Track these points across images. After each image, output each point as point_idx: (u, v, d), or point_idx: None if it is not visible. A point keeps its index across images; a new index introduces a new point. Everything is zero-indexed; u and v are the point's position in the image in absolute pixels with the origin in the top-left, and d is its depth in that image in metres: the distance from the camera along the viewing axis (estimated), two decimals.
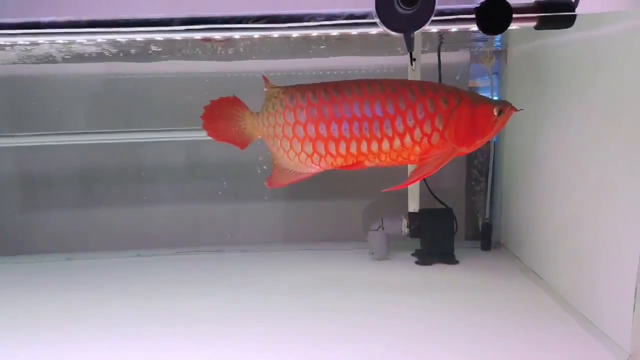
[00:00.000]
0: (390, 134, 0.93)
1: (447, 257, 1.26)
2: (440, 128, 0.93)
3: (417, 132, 0.93)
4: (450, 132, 0.93)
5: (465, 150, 0.95)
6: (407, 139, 0.93)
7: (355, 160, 0.96)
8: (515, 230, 1.30)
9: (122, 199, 1.44)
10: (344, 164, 0.97)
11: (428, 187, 1.30)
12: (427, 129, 0.92)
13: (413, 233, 1.27)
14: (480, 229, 1.37)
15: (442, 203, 1.31)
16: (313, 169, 0.98)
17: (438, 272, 1.21)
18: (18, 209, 1.44)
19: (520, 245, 1.27)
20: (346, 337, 0.91)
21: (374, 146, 0.94)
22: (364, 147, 0.94)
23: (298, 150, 0.96)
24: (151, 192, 1.45)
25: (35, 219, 1.44)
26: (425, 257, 1.26)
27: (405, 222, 1.27)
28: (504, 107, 0.92)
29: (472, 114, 0.93)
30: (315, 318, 0.99)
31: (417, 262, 1.26)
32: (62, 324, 0.99)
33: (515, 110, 0.92)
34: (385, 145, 0.93)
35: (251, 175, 1.44)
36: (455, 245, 1.28)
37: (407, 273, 1.21)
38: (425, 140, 0.93)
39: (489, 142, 1.34)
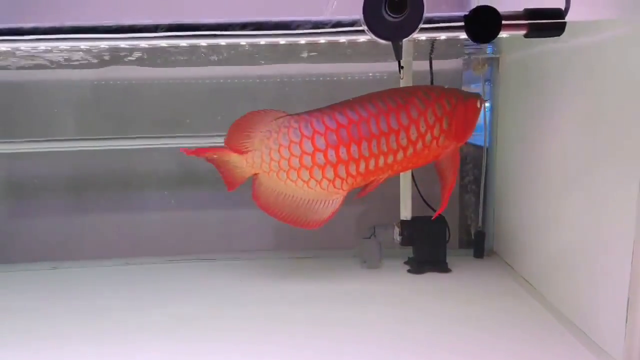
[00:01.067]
0: (405, 144, 0.95)
1: (440, 266, 1.25)
2: (445, 128, 0.97)
3: (428, 137, 0.96)
4: (452, 130, 0.98)
5: (460, 144, 1.01)
6: (419, 145, 0.96)
7: (372, 177, 0.97)
8: (508, 238, 1.29)
9: (112, 206, 1.43)
10: (363, 182, 0.98)
11: (420, 194, 1.29)
12: (437, 131, 0.97)
13: (405, 241, 1.26)
14: (473, 237, 1.36)
15: (435, 210, 1.30)
16: (337, 193, 0.97)
17: (430, 281, 1.20)
18: (4, 215, 1.42)
19: (513, 253, 1.26)
20: (336, 348, 0.89)
21: (390, 159, 0.95)
22: (381, 161, 0.95)
23: (319, 177, 0.95)
24: (141, 199, 1.44)
25: (21, 226, 1.42)
26: (417, 266, 1.25)
27: (397, 230, 1.26)
28: (480, 98, 1.02)
29: (465, 110, 0.99)
30: (306, 328, 0.97)
31: (409, 271, 1.25)
32: (47, 335, 0.97)
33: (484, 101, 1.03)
34: (400, 155, 0.96)
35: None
36: (447, 253, 1.27)
37: (399, 282, 1.20)
38: (434, 142, 0.97)
39: (481, 148, 1.34)
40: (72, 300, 1.13)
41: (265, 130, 0.96)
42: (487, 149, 1.32)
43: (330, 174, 0.95)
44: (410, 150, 0.95)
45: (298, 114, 0.97)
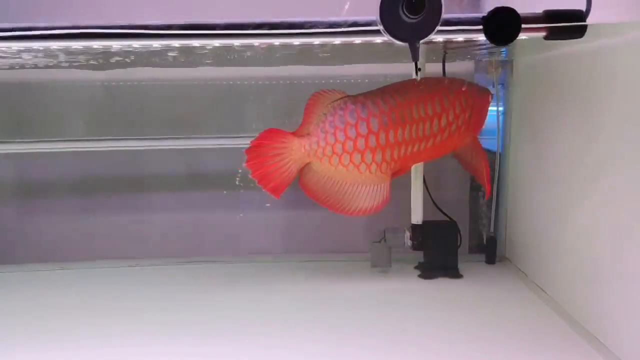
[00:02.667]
0: (436, 131, 0.97)
1: (451, 271, 1.23)
2: (467, 119, 1.00)
3: (454, 126, 0.99)
4: (473, 121, 1.01)
5: (475, 135, 1.05)
6: (446, 133, 0.99)
7: (407, 163, 0.99)
8: (520, 244, 1.27)
9: (120, 207, 1.42)
10: (398, 168, 0.99)
11: (432, 199, 1.28)
12: (461, 121, 0.99)
13: (416, 245, 1.24)
14: (485, 243, 1.34)
15: (447, 215, 1.28)
16: (382, 179, 0.98)
17: (441, 286, 1.18)
18: (12, 216, 1.41)
19: (525, 260, 1.24)
20: (345, 353, 0.88)
21: (423, 145, 0.98)
22: (416, 147, 0.97)
23: (369, 161, 0.96)
24: (150, 200, 1.43)
25: (30, 226, 1.41)
26: (428, 271, 1.24)
27: (408, 234, 1.24)
28: (491, 93, 1.06)
29: (482, 103, 1.02)
30: (314, 332, 0.96)
31: (420, 276, 1.24)
32: (54, 335, 0.96)
33: None
34: (431, 142, 0.98)
35: (252, 184, 1.42)
36: (458, 258, 1.25)
37: (409, 286, 1.19)
38: (458, 132, 1.00)
39: (493, 153, 1.32)
40: (79, 301, 1.13)
41: (321, 114, 0.96)
42: (499, 154, 1.30)
43: (379, 157, 0.96)
44: (439, 138, 0.97)
45: (354, 96, 0.97)
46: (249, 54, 0.95)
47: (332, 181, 0.99)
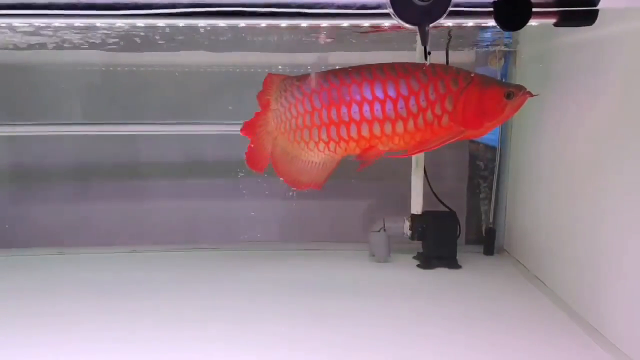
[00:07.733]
0: (405, 115, 0.93)
1: (450, 261, 1.23)
2: (450, 109, 0.93)
3: (429, 114, 0.93)
4: (458, 113, 0.93)
5: (475, 133, 0.97)
6: (420, 120, 0.94)
7: (368, 145, 0.95)
8: (518, 235, 1.27)
9: (118, 192, 1.41)
10: (357, 149, 0.97)
11: (432, 189, 1.27)
12: (438, 110, 0.93)
13: (415, 235, 1.24)
14: (484, 234, 1.34)
15: (446, 206, 1.28)
16: (332, 157, 0.98)
17: (440, 277, 1.18)
18: (10, 200, 1.40)
19: (524, 251, 1.24)
20: (342, 343, 0.87)
21: (387, 128, 0.94)
22: (376, 129, 0.94)
23: (316, 139, 0.96)
24: (148, 186, 1.42)
25: (27, 211, 1.40)
26: (427, 261, 1.24)
27: (407, 224, 1.24)
28: (516, 90, 0.92)
29: (480, 96, 0.93)
30: (311, 322, 0.95)
31: (418, 266, 1.24)
32: (53, 320, 0.95)
33: (530, 95, 0.91)
34: (399, 126, 0.94)
35: (250, 172, 1.41)
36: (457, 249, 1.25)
37: (408, 276, 1.18)
38: (436, 122, 0.94)
39: (494, 146, 1.32)
40: (77, 286, 1.12)
41: (277, 90, 0.99)
42: (500, 146, 1.30)
43: (324, 135, 0.96)
44: (410, 124, 0.93)
45: (304, 74, 0.99)
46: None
47: (291, 156, 1.01)
